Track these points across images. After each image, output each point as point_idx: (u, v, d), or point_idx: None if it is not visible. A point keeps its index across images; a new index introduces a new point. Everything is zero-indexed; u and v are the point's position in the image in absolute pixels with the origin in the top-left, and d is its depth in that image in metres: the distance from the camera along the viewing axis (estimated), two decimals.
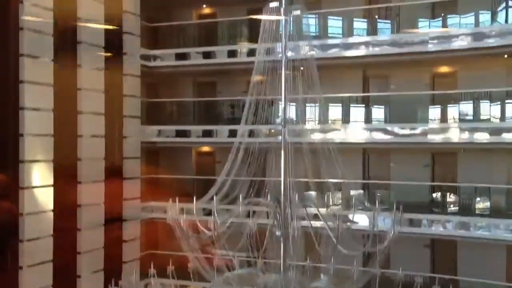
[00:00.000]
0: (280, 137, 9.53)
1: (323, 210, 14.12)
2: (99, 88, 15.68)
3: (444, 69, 17.54)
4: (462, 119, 16.07)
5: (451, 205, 16.00)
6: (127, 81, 17.12)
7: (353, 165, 17.98)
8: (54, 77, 13.97)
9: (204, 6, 20.63)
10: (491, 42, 14.44)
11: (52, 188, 13.85)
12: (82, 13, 15.19)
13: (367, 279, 8.75)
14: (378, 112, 17.85)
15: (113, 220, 16.22)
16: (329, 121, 16.63)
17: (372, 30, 17.55)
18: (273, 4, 8.20)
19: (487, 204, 15.76)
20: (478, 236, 14.76)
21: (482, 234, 14.64)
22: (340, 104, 17.27)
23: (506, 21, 15.56)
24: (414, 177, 17.15)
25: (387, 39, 16.01)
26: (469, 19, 16.73)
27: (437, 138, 15.38)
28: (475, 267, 15.73)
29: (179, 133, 18.75)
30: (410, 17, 17.36)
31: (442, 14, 17.08)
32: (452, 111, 16.47)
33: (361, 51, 16.22)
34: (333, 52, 16.59)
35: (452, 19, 16.97)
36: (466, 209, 15.97)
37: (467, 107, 16.32)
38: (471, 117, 16.18)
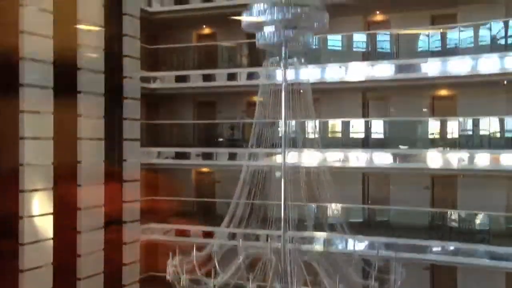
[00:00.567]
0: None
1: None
2: (99, 115, 15.70)
3: (443, 92, 17.58)
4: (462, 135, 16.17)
5: (451, 231, 16.02)
6: (127, 105, 17.11)
7: (353, 187, 18.07)
8: (54, 105, 13.98)
9: (204, 26, 20.69)
10: (490, 70, 14.49)
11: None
12: (81, 39, 15.21)
13: None
14: (378, 125, 17.89)
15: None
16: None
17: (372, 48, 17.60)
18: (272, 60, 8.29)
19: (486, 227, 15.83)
20: (477, 263, 14.77)
21: (482, 261, 14.64)
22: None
23: (506, 42, 15.66)
24: (414, 199, 17.21)
25: (387, 65, 16.06)
26: (469, 32, 16.79)
27: (436, 164, 15.44)
28: None
29: (179, 155, 18.78)
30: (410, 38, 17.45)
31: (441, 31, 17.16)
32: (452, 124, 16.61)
33: (361, 77, 16.28)
34: (333, 77, 16.67)
35: (451, 34, 17.03)
36: (466, 234, 16.02)
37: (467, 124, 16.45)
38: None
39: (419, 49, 17.20)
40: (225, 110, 20.33)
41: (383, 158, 16.16)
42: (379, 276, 8.73)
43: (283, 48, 8.20)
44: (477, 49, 15.56)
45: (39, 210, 13.64)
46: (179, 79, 18.74)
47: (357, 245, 15.00)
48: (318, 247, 14.69)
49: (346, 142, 17.55)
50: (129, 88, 17.24)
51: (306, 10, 7.67)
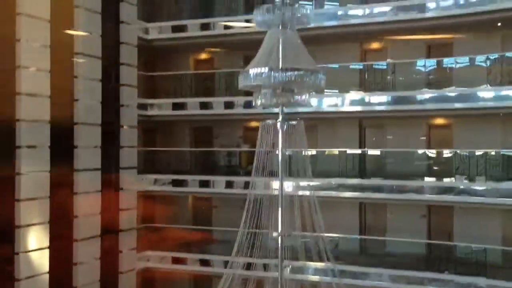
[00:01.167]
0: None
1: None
2: (95, 144, 15.72)
3: (440, 121, 17.63)
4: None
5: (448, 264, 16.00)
6: (124, 133, 17.14)
7: (349, 214, 18.09)
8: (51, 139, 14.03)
9: (201, 52, 20.75)
10: (486, 103, 14.55)
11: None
12: (79, 70, 15.26)
13: None
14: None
15: None
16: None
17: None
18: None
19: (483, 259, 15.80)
20: None
21: None
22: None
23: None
24: (411, 227, 17.23)
25: (383, 97, 16.14)
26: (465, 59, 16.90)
27: (431, 197, 15.49)
28: None
29: (176, 181, 18.77)
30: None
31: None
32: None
33: (357, 107, 16.35)
34: (330, 107, 16.76)
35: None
36: (463, 264, 16.01)
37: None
38: None
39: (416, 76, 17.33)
40: (222, 135, 20.35)
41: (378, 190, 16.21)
42: None
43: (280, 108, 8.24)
44: (473, 81, 15.61)
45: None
46: (176, 106, 18.78)
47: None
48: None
49: (342, 170, 17.56)
50: (126, 116, 17.29)
51: (301, 73, 7.67)
